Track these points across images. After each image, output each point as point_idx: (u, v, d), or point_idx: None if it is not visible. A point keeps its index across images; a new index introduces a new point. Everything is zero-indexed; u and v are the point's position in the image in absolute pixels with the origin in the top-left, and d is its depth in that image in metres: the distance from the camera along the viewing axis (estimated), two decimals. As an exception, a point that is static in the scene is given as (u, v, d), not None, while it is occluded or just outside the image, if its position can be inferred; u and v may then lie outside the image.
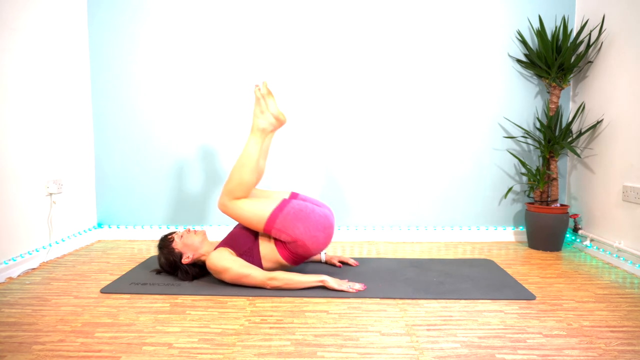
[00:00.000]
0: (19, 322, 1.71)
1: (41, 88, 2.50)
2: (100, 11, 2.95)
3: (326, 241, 2.12)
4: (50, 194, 2.56)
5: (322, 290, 2.00)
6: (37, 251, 2.45)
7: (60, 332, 1.63)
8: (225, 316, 1.76)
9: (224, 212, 2.13)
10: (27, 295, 1.99)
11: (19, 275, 2.27)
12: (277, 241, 2.09)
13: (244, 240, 2.10)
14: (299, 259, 2.11)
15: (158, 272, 2.26)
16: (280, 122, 2.16)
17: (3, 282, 2.17)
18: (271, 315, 1.77)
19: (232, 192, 2.10)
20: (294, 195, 2.23)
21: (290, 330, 1.64)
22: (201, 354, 1.47)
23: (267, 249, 2.09)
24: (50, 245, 2.55)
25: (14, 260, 2.27)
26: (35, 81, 2.46)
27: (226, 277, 2.02)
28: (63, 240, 2.67)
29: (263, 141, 2.14)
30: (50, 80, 2.58)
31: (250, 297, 1.95)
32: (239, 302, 1.90)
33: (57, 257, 2.59)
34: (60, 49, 2.67)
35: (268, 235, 2.11)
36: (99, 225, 3.08)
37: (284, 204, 2.09)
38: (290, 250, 2.07)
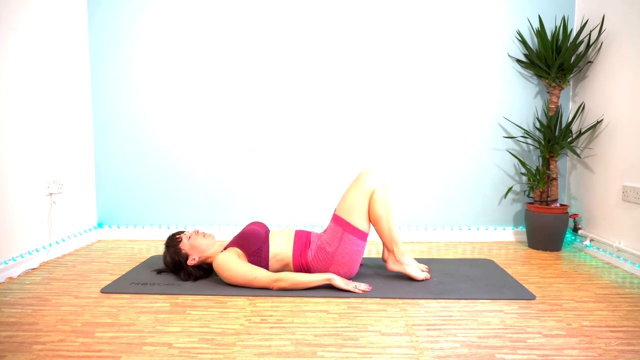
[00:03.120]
0: (19, 322, 1.71)
1: (41, 88, 2.50)
2: (100, 11, 2.96)
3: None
4: (51, 194, 2.56)
5: (323, 290, 2.00)
6: (37, 251, 2.45)
7: (60, 332, 1.63)
8: (226, 316, 1.76)
9: None
10: (27, 295, 1.99)
11: (19, 275, 2.27)
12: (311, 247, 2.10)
13: (253, 240, 2.08)
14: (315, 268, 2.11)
15: (159, 272, 2.26)
16: None
17: (3, 282, 2.17)
18: (271, 315, 1.77)
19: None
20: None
21: (290, 330, 1.64)
22: (201, 353, 1.47)
23: (277, 250, 2.09)
24: (50, 245, 2.55)
25: (14, 260, 2.27)
26: (35, 81, 2.46)
27: (232, 280, 2.02)
28: (63, 240, 2.67)
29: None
30: (50, 80, 2.58)
31: (251, 297, 1.95)
32: (239, 302, 1.90)
33: (57, 257, 2.59)
34: (60, 49, 2.67)
35: (278, 236, 2.12)
36: (99, 225, 3.08)
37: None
38: (319, 258, 2.07)
